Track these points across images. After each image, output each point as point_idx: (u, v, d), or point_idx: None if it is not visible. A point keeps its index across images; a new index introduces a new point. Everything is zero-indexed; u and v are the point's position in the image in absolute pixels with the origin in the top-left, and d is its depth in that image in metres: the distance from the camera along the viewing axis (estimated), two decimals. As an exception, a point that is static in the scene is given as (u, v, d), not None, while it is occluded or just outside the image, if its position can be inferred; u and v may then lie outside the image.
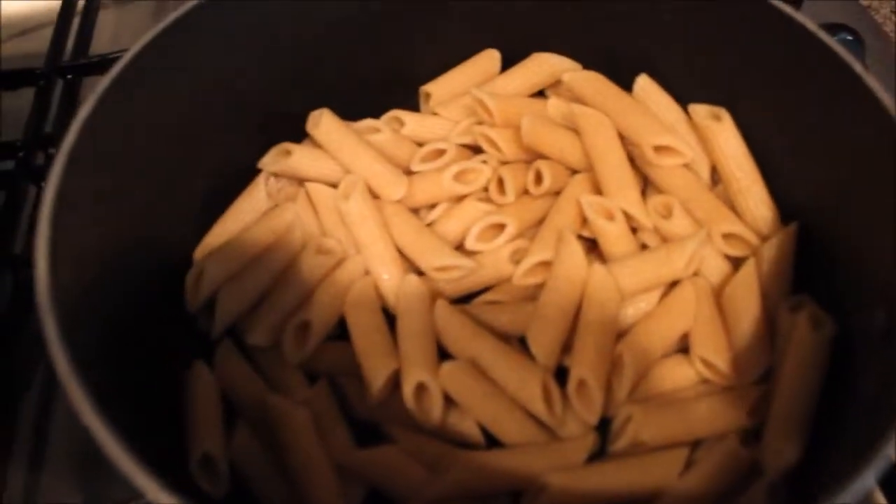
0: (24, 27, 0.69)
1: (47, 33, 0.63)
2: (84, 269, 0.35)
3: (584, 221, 0.44)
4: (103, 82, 0.37)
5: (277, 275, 0.43)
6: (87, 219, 0.36)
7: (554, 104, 0.47)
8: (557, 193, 0.46)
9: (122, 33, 0.67)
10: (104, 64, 0.60)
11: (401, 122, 0.48)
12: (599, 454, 0.39)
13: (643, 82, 0.46)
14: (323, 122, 0.46)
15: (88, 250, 0.35)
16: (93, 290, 0.35)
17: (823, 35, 0.38)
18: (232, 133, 0.46)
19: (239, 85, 0.45)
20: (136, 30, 0.65)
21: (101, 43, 0.64)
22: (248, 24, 0.43)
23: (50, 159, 0.56)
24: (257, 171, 0.47)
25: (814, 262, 0.41)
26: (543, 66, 0.49)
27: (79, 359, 0.29)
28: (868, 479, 0.28)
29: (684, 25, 0.44)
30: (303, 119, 0.47)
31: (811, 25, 0.39)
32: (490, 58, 0.50)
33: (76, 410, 0.28)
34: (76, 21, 0.64)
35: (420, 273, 0.44)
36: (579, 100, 0.46)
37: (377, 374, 0.39)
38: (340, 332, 0.43)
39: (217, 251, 0.43)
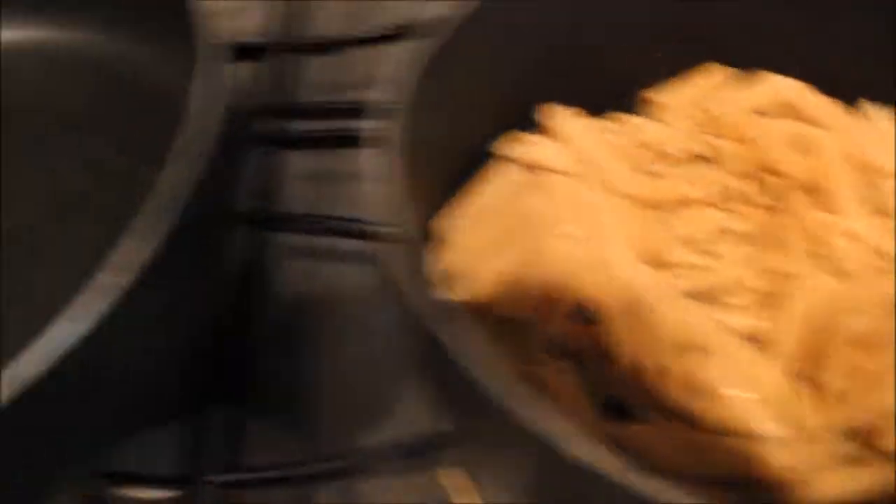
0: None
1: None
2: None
3: (813, 237, 0.45)
4: (429, 48, 0.43)
5: (517, 254, 0.45)
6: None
7: (782, 123, 0.49)
8: (784, 209, 0.47)
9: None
10: (324, 46, 0.65)
11: (629, 125, 0.50)
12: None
13: (869, 107, 0.48)
14: (560, 116, 0.48)
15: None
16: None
17: None
18: (471, 117, 0.48)
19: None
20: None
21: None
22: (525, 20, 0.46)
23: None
24: (491, 156, 0.49)
25: None
26: (770, 85, 0.51)
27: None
28: None
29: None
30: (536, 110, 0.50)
31: None
32: (716, 72, 0.52)
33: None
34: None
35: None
36: (806, 121, 0.48)
37: (622, 354, 0.41)
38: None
39: (457, 226, 0.46)
